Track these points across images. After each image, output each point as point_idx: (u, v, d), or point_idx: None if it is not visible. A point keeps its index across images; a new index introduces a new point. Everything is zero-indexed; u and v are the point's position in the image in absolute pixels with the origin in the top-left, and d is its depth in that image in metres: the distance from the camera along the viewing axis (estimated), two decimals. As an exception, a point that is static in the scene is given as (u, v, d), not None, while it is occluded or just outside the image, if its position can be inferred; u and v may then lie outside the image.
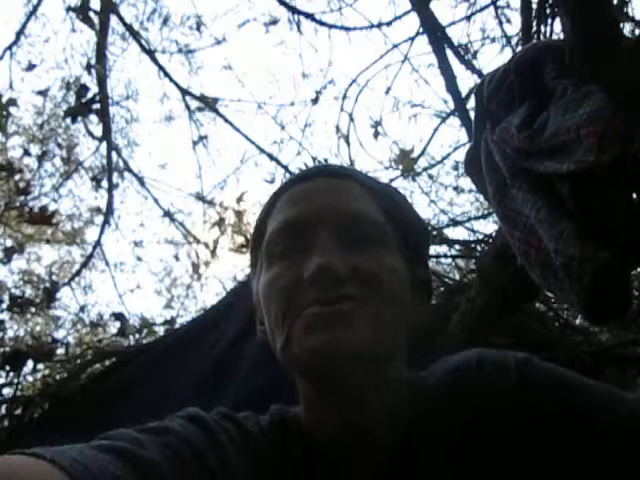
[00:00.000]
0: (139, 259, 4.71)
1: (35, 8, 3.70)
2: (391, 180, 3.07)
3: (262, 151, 3.72)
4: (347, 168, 0.69)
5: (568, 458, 0.55)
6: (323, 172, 0.64)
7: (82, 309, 4.06)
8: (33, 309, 3.26)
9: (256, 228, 0.65)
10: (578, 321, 2.23)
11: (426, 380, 0.62)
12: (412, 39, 2.79)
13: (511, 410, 0.57)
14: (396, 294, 0.57)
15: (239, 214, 3.97)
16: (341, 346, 0.51)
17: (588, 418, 0.56)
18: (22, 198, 3.37)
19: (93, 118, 3.82)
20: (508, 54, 2.75)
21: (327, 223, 0.58)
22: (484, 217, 2.95)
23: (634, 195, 0.97)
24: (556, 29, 1.59)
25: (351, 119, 3.08)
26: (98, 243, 4.21)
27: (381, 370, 0.56)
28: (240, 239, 3.85)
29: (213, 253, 4.14)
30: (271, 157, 3.67)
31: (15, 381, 2.26)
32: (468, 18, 2.70)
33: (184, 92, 4.03)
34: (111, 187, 4.14)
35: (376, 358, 0.54)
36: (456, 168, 3.42)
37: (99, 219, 4.32)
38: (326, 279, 0.53)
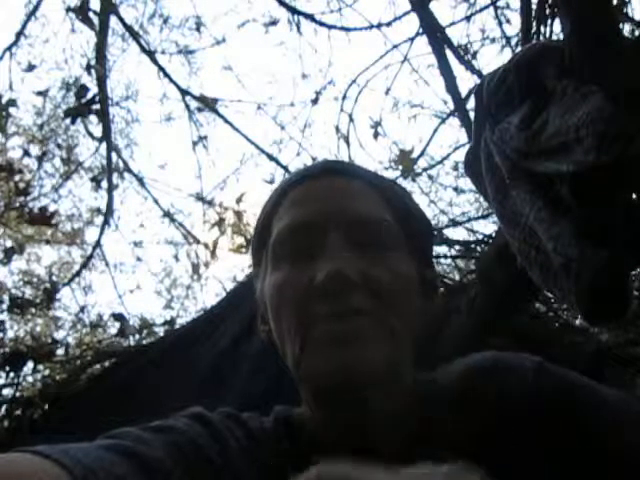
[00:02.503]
0: (139, 259, 4.70)
1: (35, 9, 3.71)
2: (391, 180, 3.07)
3: (262, 151, 3.73)
4: (353, 165, 0.67)
5: (581, 463, 0.55)
6: (329, 170, 0.62)
7: (82, 310, 4.05)
8: (33, 310, 3.26)
9: (260, 226, 0.64)
10: (578, 321, 2.23)
11: (437, 381, 0.61)
12: (412, 40, 2.79)
13: (524, 414, 0.56)
14: (407, 304, 0.57)
15: (239, 214, 3.96)
16: (356, 366, 0.51)
17: (601, 424, 0.56)
18: (22, 199, 3.37)
19: (93, 118, 3.82)
20: (508, 54, 2.75)
21: (337, 225, 0.57)
22: (484, 217, 2.96)
23: (634, 195, 0.97)
24: (556, 30, 1.59)
25: (351, 119, 3.08)
26: (98, 244, 4.20)
27: (394, 383, 0.56)
28: (240, 239, 3.84)
29: (213, 253, 4.14)
30: (271, 157, 3.68)
31: (15, 382, 2.26)
32: (468, 19, 2.70)
33: (184, 92, 4.03)
34: (111, 188, 4.14)
35: (390, 374, 0.54)
36: (456, 168, 3.43)
37: (99, 220, 4.32)
38: (338, 286, 0.52)
